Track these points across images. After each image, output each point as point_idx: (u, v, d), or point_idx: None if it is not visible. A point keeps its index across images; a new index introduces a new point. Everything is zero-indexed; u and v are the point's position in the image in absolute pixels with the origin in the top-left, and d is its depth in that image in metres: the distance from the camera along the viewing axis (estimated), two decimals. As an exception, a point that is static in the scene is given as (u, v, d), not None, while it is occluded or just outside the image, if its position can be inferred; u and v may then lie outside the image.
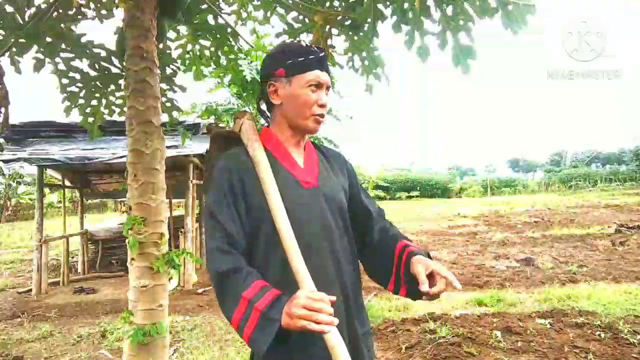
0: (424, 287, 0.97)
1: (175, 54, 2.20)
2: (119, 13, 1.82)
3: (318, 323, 0.85)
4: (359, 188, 1.27)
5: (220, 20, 2.14)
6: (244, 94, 7.18)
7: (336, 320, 0.87)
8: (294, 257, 0.97)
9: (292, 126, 1.13)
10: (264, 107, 1.20)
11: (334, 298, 0.91)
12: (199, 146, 5.33)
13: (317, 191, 1.10)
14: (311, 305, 0.86)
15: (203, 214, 1.12)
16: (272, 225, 1.02)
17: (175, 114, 2.18)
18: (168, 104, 2.14)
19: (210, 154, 1.22)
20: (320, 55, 1.10)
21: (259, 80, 1.19)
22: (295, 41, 1.16)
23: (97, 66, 1.98)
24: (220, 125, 6.01)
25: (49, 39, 1.77)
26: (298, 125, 1.12)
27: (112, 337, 3.69)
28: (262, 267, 1.03)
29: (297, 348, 0.99)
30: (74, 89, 2.00)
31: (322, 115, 1.10)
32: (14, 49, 1.72)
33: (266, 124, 1.21)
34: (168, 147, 2.22)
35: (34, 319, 4.34)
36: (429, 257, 1.07)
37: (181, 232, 5.58)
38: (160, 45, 2.02)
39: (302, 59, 1.08)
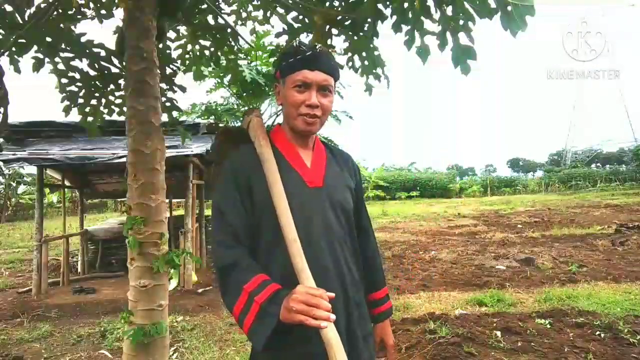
0: None
1: (175, 54, 2.20)
2: (119, 13, 1.82)
3: (315, 318, 0.86)
4: (361, 201, 1.29)
5: (220, 20, 2.14)
6: (244, 94, 7.18)
7: (333, 317, 0.88)
8: (295, 255, 0.99)
9: (290, 127, 1.15)
10: None
11: (332, 294, 0.92)
12: (199, 146, 5.33)
13: (321, 191, 1.11)
14: (309, 300, 0.87)
15: (212, 210, 1.16)
16: (276, 222, 1.03)
17: (175, 114, 2.18)
18: (168, 104, 2.14)
19: (220, 149, 1.25)
20: (308, 54, 1.07)
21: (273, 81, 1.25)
22: (297, 43, 1.18)
23: (96, 66, 1.98)
24: (220, 125, 6.02)
25: (49, 39, 1.77)
26: (291, 125, 1.13)
27: (112, 337, 3.69)
28: (266, 262, 1.05)
29: (297, 345, 1.00)
30: (73, 88, 1.99)
31: (310, 115, 1.07)
32: (13, 49, 1.71)
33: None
34: (168, 147, 2.22)
35: (34, 319, 4.33)
36: (389, 314, 1.29)
37: (181, 232, 5.58)
38: (160, 45, 2.02)
39: (291, 60, 1.09)
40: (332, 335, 0.88)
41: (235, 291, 0.99)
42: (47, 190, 11.13)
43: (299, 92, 1.07)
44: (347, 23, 1.76)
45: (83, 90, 2.02)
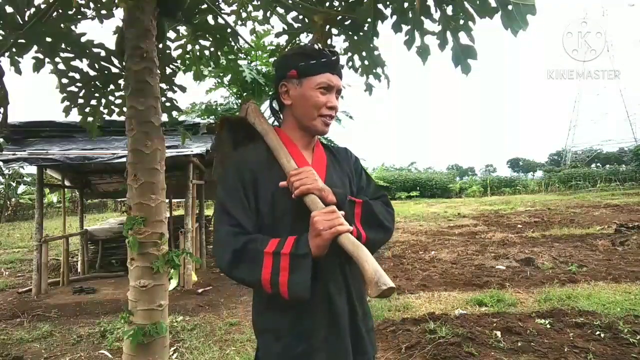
0: None
1: (175, 54, 2.20)
2: (119, 13, 1.82)
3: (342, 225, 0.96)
4: (365, 181, 1.28)
5: (220, 20, 2.14)
6: (244, 94, 7.18)
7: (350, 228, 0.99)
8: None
9: (302, 127, 1.16)
10: (277, 106, 1.24)
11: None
12: (199, 146, 5.33)
13: None
14: (328, 216, 0.97)
15: (215, 208, 1.17)
16: (282, 214, 1.07)
17: (175, 114, 2.18)
18: (168, 104, 2.14)
19: (221, 141, 1.26)
20: (333, 58, 1.12)
21: (273, 80, 1.23)
22: (310, 44, 1.20)
23: (96, 66, 1.97)
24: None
25: (49, 39, 1.77)
26: (307, 126, 1.15)
27: (112, 337, 3.69)
28: None
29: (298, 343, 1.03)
30: (73, 88, 1.99)
31: (330, 117, 1.14)
32: (14, 49, 1.71)
33: (277, 124, 1.24)
34: (168, 147, 2.22)
35: (34, 319, 4.33)
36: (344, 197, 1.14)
37: (181, 232, 5.58)
38: (160, 45, 2.02)
39: (314, 61, 1.11)
40: (353, 239, 0.99)
41: (256, 261, 0.99)
42: (47, 190, 11.13)
43: (322, 94, 1.11)
44: (347, 23, 1.76)
45: (83, 90, 2.02)
